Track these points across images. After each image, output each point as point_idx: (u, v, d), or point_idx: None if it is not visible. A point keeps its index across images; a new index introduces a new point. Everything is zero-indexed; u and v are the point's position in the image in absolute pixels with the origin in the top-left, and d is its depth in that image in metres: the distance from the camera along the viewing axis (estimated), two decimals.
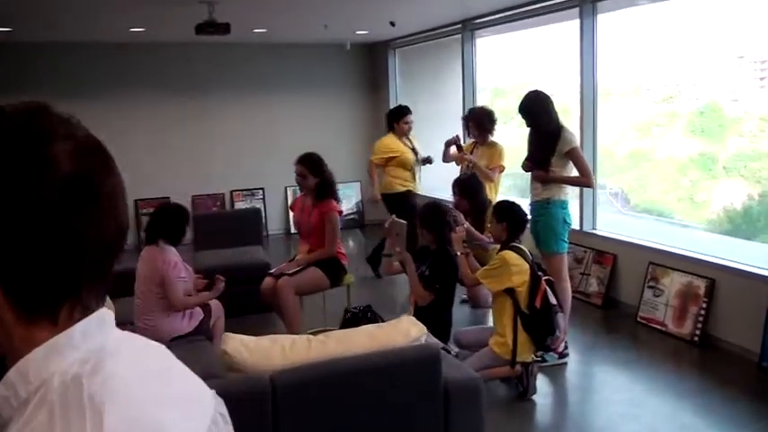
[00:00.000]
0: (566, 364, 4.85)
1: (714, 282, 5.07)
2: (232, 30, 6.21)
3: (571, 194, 4.98)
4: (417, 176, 6.98)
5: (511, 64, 10.22)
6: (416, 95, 9.22)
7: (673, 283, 5.36)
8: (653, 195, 26.16)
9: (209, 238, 6.84)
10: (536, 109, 4.79)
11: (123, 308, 4.41)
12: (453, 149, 6.40)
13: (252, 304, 5.43)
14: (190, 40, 8.41)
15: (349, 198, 10.51)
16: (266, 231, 9.40)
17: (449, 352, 4.93)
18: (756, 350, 4.68)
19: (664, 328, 5.33)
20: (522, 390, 4.31)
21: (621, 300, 5.89)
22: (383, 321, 3.75)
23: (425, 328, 3.11)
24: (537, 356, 4.78)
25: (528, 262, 4.41)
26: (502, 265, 4.38)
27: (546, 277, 4.43)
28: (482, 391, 3.08)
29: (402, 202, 6.54)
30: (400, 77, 10.05)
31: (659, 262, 5.52)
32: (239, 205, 9.76)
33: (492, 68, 9.66)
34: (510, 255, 4.41)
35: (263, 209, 9.63)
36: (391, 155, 6.88)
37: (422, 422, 2.93)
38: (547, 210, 4.78)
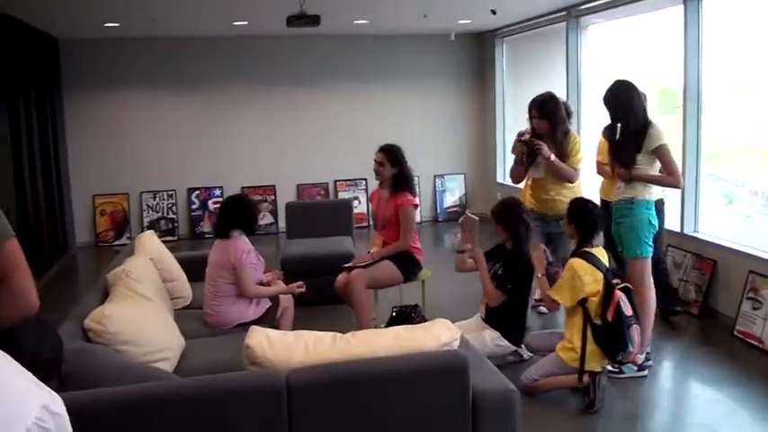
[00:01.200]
0: (645, 377, 4.49)
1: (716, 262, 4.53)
2: (332, 22, 6.22)
3: (664, 193, 4.62)
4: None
5: (623, 52, 9.68)
6: (524, 86, 8.91)
7: None
8: None
9: (300, 227, 6.93)
10: (622, 101, 4.45)
11: (200, 291, 4.58)
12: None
13: (330, 295, 5.41)
14: (289, 32, 8.58)
15: (452, 191, 10.36)
16: (368, 222, 9.45)
17: (521, 356, 4.74)
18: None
19: (761, 345, 4.83)
20: (588, 402, 4.03)
21: (719, 310, 5.40)
22: (425, 322, 3.59)
23: (459, 332, 2.93)
24: (615, 367, 4.47)
25: (602, 269, 4.10)
26: (573, 278, 4.09)
27: (622, 285, 4.11)
28: (516, 404, 2.86)
29: None
30: (507, 67, 9.74)
31: (760, 271, 5.01)
32: (343, 195, 9.85)
33: (603, 57, 9.18)
34: (579, 264, 4.12)
35: (365, 199, 9.69)
36: None
37: None
38: (630, 211, 4.43)
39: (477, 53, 10.23)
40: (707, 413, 4.14)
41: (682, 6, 5.80)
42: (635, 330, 4.03)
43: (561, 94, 7.82)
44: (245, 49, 9.47)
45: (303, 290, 4.56)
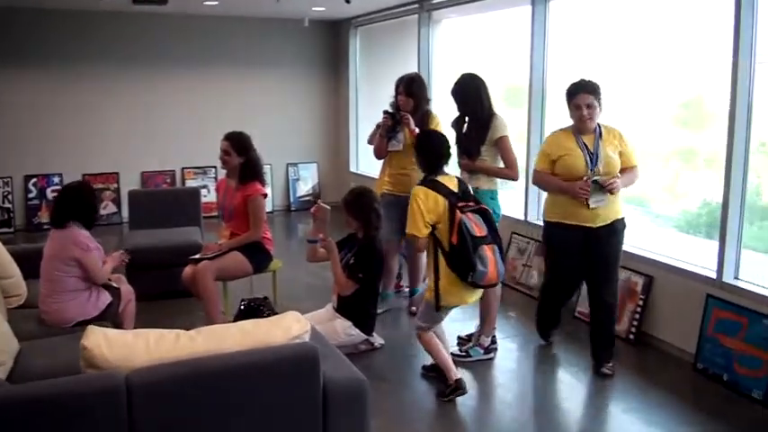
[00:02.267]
0: (492, 359, 4.66)
1: (652, 279, 4.90)
2: (180, 2, 5.88)
3: (500, 184, 4.75)
4: None
5: (476, 47, 9.97)
6: (378, 77, 8.98)
7: None
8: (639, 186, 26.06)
9: (145, 216, 6.61)
10: (469, 93, 4.56)
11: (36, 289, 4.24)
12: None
13: (177, 288, 5.19)
14: (138, 10, 8.15)
15: (305, 180, 10.29)
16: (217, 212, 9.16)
17: (373, 344, 4.78)
18: (692, 351, 4.53)
19: None
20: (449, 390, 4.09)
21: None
22: (275, 315, 3.52)
23: (309, 324, 2.89)
24: (461, 351, 4.63)
25: (443, 193, 3.94)
26: (416, 205, 3.95)
27: (475, 207, 3.97)
28: (367, 393, 2.87)
29: None
30: (362, 57, 9.77)
31: None
32: (190, 183, 9.52)
33: (456, 52, 9.41)
34: (420, 190, 3.98)
35: (214, 188, 9.41)
36: None
37: (297, 427, 2.72)
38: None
39: (332, 41, 10.19)
40: (553, 393, 4.37)
41: (530, 6, 6.05)
42: (487, 250, 3.89)
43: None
44: (88, 27, 8.85)
45: (127, 257, 4.53)
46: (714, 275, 4.46)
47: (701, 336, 4.48)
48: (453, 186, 4.03)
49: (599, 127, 4.22)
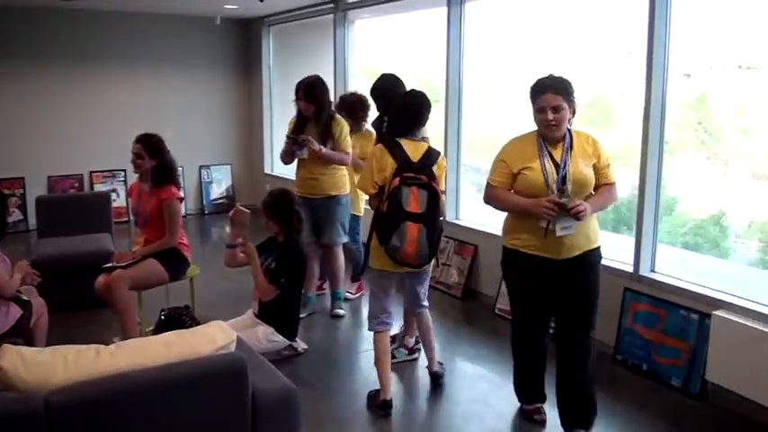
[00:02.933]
0: (416, 359, 4.67)
1: None
2: None
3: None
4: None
5: (393, 48, 10.00)
6: (293, 77, 8.82)
7: None
8: None
9: (53, 224, 6.30)
10: (388, 93, 4.54)
11: None
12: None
13: (90, 298, 4.95)
14: (42, 4, 7.77)
15: (219, 182, 10.07)
16: (129, 217, 8.83)
17: (296, 350, 4.70)
18: (612, 343, 4.65)
19: None
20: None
21: (481, 291, 5.77)
22: (197, 325, 3.39)
23: (234, 333, 2.79)
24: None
25: (398, 158, 3.80)
26: (369, 164, 3.93)
27: (424, 182, 3.79)
28: (297, 401, 2.80)
29: None
30: (276, 57, 9.63)
31: None
32: (99, 187, 9.14)
33: (372, 52, 9.41)
34: (376, 148, 3.95)
35: (125, 192, 9.08)
36: None
37: None
38: None
39: (245, 40, 9.99)
40: (475, 389, 4.38)
41: (446, 8, 6.08)
42: (411, 228, 3.76)
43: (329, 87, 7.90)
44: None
45: (38, 279, 4.20)
46: (631, 269, 4.59)
47: (619, 328, 4.60)
48: (415, 155, 3.85)
49: (569, 134, 3.40)
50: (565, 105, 3.30)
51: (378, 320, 4.07)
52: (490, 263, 5.64)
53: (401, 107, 4.01)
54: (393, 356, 4.55)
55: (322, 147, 5.11)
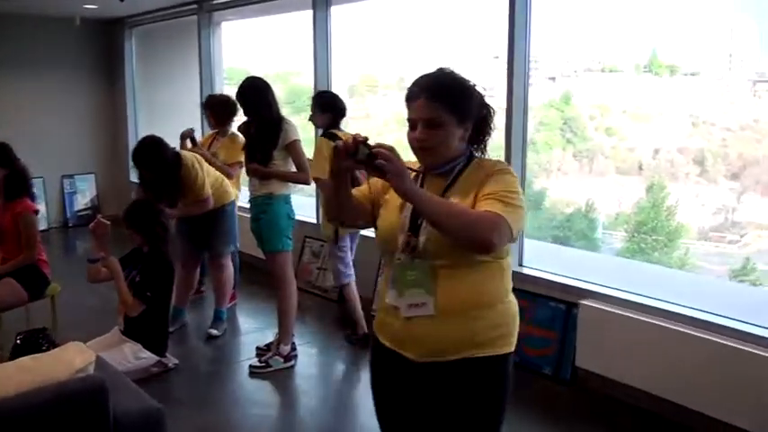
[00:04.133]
0: (293, 367, 4.57)
1: None
2: None
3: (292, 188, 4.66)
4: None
5: (263, 51, 9.86)
6: (158, 80, 8.54)
7: None
8: None
9: None
10: (255, 97, 4.43)
11: None
12: (188, 143, 5.75)
13: None
14: None
15: (83, 192, 9.56)
16: None
17: (166, 366, 4.50)
18: None
19: None
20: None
21: (360, 294, 5.73)
22: (55, 347, 3.18)
23: (94, 354, 2.62)
24: (261, 362, 4.50)
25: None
26: (318, 152, 4.63)
27: None
28: (163, 420, 2.67)
29: None
30: (139, 60, 9.24)
31: None
32: None
33: (242, 54, 9.25)
34: (323, 141, 4.62)
35: None
36: None
37: None
38: (269, 206, 4.44)
39: (107, 42, 9.51)
40: (352, 393, 4.39)
41: (311, 11, 6.05)
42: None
43: (195, 90, 7.68)
44: None
45: None
46: None
47: None
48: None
49: (462, 165, 2.09)
50: (447, 120, 2.02)
51: (346, 274, 4.91)
52: (367, 263, 5.62)
53: (331, 103, 4.79)
54: (268, 365, 4.46)
55: None
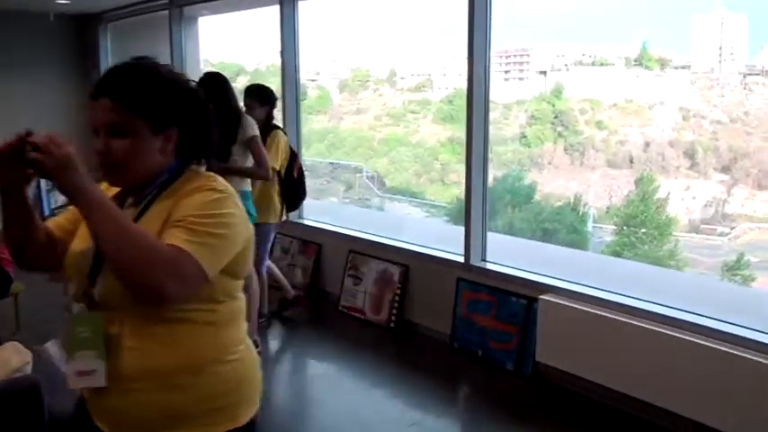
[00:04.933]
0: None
1: (408, 268, 5.06)
2: None
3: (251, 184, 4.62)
4: None
5: (241, 45, 9.81)
6: None
7: (370, 270, 5.30)
8: (407, 178, 27.25)
9: None
10: (214, 93, 4.38)
11: None
12: None
13: None
14: None
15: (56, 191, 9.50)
16: None
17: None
18: (448, 332, 4.72)
19: (363, 316, 5.26)
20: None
21: (327, 290, 5.73)
22: None
23: (30, 354, 2.61)
24: None
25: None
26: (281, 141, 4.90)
27: None
28: None
29: None
30: (114, 55, 9.16)
31: (359, 250, 5.44)
32: None
33: (222, 49, 9.20)
34: (278, 135, 4.92)
35: None
36: None
37: None
38: None
39: (81, 38, 9.43)
40: (316, 388, 4.37)
41: (278, 6, 6.02)
42: None
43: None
44: None
45: None
46: (462, 259, 4.68)
47: (455, 317, 4.69)
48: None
49: (168, 179, 1.62)
50: (137, 125, 1.56)
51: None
52: (334, 260, 5.62)
53: (270, 95, 4.94)
54: None
55: None
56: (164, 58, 6.00)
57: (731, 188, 20.84)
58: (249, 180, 4.51)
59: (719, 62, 21.37)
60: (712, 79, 21.43)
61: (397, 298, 5.06)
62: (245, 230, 1.58)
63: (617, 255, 18.30)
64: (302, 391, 4.36)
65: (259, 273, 4.81)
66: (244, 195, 4.44)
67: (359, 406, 4.03)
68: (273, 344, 4.92)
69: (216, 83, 4.42)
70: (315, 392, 4.29)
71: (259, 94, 4.96)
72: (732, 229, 20.46)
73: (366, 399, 4.13)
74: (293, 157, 5.09)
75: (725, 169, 20.93)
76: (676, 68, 22.10)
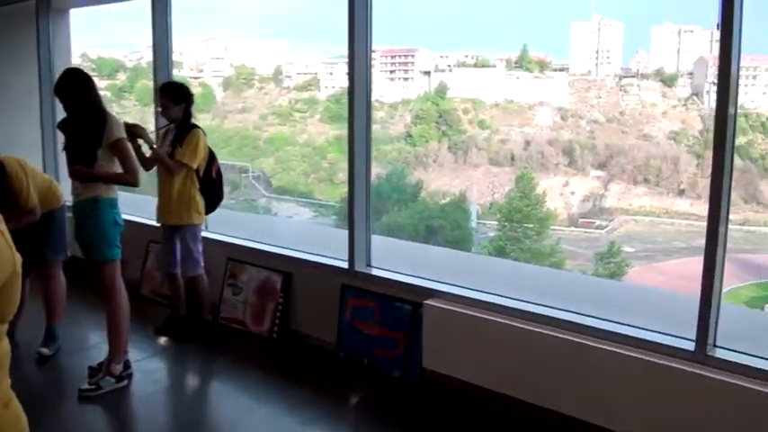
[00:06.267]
0: (127, 386, 4.21)
1: (291, 275, 4.88)
2: None
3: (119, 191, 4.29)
4: None
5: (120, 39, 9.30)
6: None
7: (251, 279, 5.08)
8: (295, 177, 26.98)
9: None
10: (75, 91, 4.05)
11: None
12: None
13: None
14: None
15: None
16: None
17: None
18: (333, 341, 4.58)
19: (244, 328, 5.04)
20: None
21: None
22: None
23: None
24: (91, 385, 4.11)
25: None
26: (199, 144, 4.74)
27: None
28: None
29: None
30: None
31: (237, 258, 5.21)
32: None
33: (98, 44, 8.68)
34: (200, 133, 4.79)
35: None
36: None
37: None
38: (95, 211, 4.06)
39: None
40: (193, 408, 4.14)
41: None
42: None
43: (33, 80, 7.11)
44: None
45: None
46: (346, 265, 4.55)
47: (340, 325, 4.55)
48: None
49: None
50: None
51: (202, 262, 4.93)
52: (213, 269, 5.33)
53: (186, 93, 4.78)
54: (99, 387, 4.10)
55: None
56: (30, 54, 5.55)
57: (608, 183, 21.91)
58: (116, 187, 4.17)
59: (596, 65, 22.45)
60: (589, 81, 22.47)
61: (279, 307, 4.88)
62: (6, 264, 1.28)
63: (501, 249, 18.88)
64: (179, 413, 4.10)
65: (200, 274, 4.90)
66: (111, 204, 4.14)
67: (241, 426, 3.84)
68: (147, 363, 4.59)
69: (76, 80, 4.08)
70: (192, 414, 4.05)
71: (172, 93, 4.71)
72: (609, 222, 21.53)
73: (249, 417, 3.92)
74: (212, 157, 4.85)
75: (601, 166, 21.96)
76: (555, 71, 23.03)
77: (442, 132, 23.52)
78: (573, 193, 21.87)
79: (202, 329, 4.99)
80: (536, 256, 19.02)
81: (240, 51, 26.26)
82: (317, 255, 4.85)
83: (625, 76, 22.23)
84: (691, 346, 3.26)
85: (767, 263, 17.84)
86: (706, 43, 21.31)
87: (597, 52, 22.24)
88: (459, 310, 3.92)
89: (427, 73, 23.91)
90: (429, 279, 4.28)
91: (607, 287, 6.14)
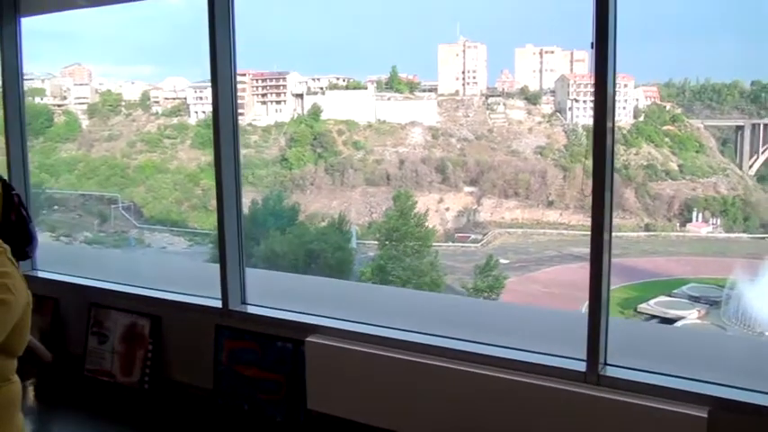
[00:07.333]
0: None
1: (160, 319, 4.52)
2: None
3: None
4: None
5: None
6: None
7: (116, 325, 4.67)
8: (167, 206, 26.12)
9: None
10: None
11: None
12: None
13: None
14: None
15: None
16: None
17: None
18: (210, 386, 4.27)
19: (112, 380, 4.62)
20: None
21: (70, 351, 4.98)
22: None
23: None
24: None
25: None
26: None
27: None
28: None
29: None
30: None
31: (101, 302, 4.78)
32: None
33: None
34: None
35: None
36: None
37: None
38: None
39: None
40: None
41: None
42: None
43: None
44: None
45: None
46: (220, 304, 4.27)
47: (216, 370, 4.25)
48: None
49: None
50: None
51: None
52: (75, 316, 4.90)
53: None
54: None
55: None
56: None
57: (480, 198, 22.63)
58: None
59: (463, 85, 23.24)
60: (458, 101, 23.22)
61: (149, 355, 4.50)
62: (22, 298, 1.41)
63: (382, 268, 19.04)
64: None
65: None
66: None
67: None
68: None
69: None
70: None
71: None
72: (484, 235, 22.20)
73: None
74: (8, 199, 4.37)
75: (473, 182, 22.67)
76: (424, 91, 23.62)
77: (318, 154, 23.53)
78: (448, 209, 22.44)
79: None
80: (417, 274, 19.28)
81: (105, 77, 25.20)
82: (188, 294, 4.51)
83: (491, 95, 23.17)
84: (582, 366, 3.22)
85: (635, 266, 18.92)
86: (566, 63, 22.50)
87: (464, 73, 23.06)
88: (342, 345, 3.74)
89: (300, 96, 23.88)
90: (310, 314, 4.07)
91: (492, 309, 6.15)
